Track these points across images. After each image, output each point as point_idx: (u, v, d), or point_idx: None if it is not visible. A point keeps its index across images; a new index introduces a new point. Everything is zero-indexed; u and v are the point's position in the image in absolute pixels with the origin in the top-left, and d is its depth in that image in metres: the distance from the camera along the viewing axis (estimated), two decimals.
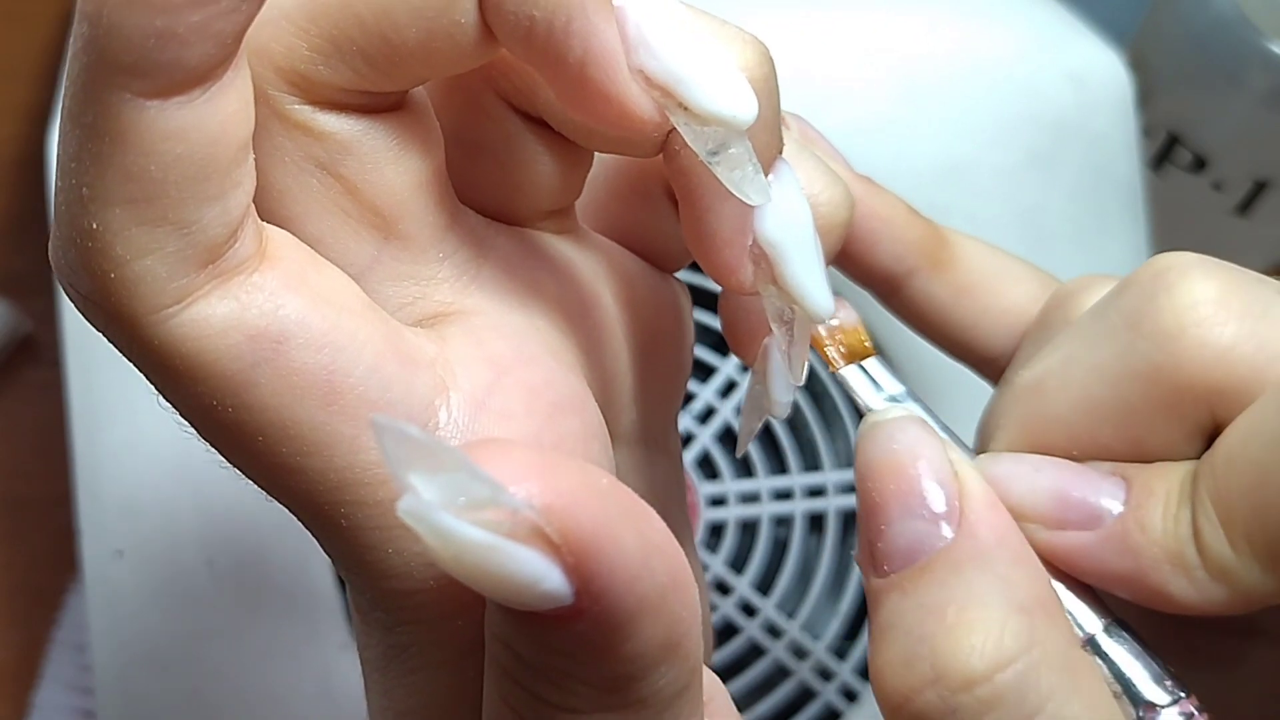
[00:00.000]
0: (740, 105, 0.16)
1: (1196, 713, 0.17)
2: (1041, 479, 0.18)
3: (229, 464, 0.16)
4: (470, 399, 0.17)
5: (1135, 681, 0.17)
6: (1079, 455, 0.18)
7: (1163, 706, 0.17)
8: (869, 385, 0.19)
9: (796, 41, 0.34)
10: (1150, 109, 0.53)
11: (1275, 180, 0.52)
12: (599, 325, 0.19)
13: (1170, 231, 0.52)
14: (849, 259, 0.22)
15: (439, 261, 0.17)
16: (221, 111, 0.14)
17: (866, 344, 0.20)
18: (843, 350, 0.19)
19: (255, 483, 0.16)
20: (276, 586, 0.32)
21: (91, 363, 0.32)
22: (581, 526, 0.12)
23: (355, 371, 0.15)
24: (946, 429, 0.18)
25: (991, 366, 0.23)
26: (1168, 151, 0.53)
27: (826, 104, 0.33)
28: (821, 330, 0.19)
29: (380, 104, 0.16)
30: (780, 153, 0.18)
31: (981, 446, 0.20)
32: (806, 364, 0.19)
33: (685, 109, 0.16)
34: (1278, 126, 0.49)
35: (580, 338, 0.19)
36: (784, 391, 0.20)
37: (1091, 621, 0.18)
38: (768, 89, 0.17)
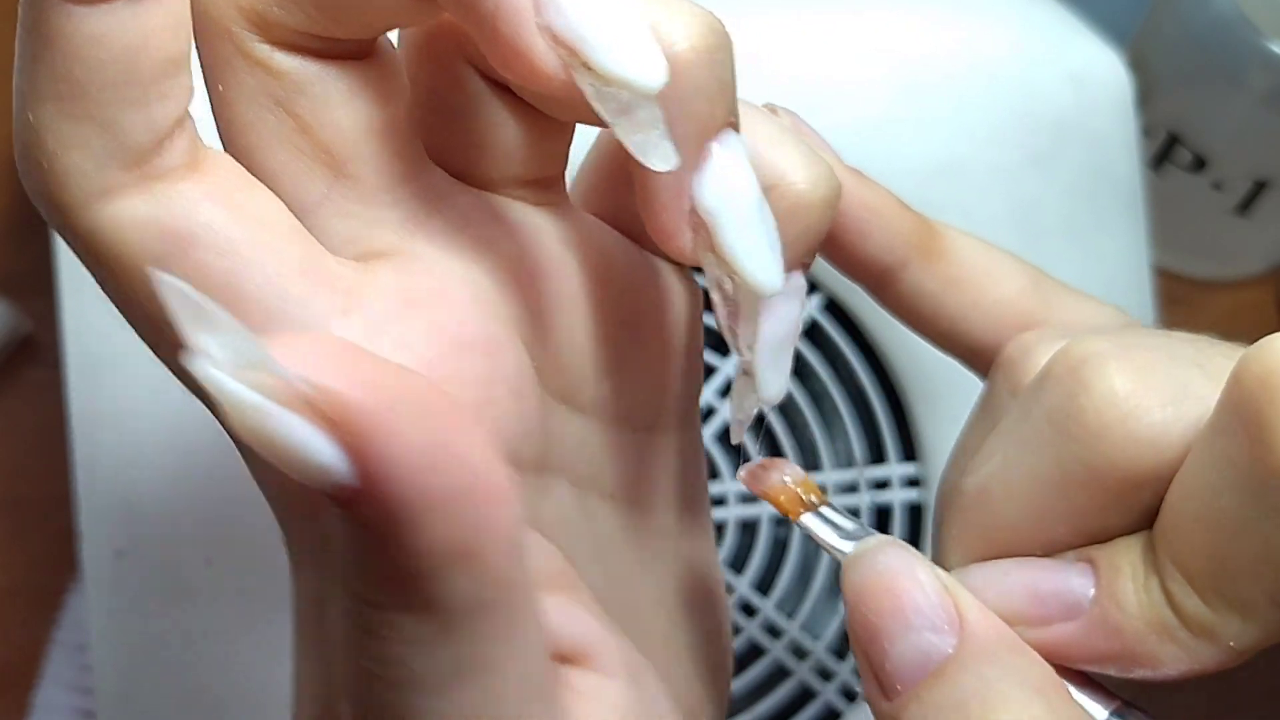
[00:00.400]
0: (643, 69, 0.16)
1: None
2: (1012, 581, 0.18)
3: (157, 357, 0.18)
4: (368, 323, 0.17)
5: None
6: (1040, 554, 0.19)
7: None
8: (829, 529, 0.20)
9: (796, 41, 0.34)
10: (1150, 108, 0.53)
11: (1275, 180, 0.52)
12: (556, 291, 0.19)
13: (1170, 231, 0.52)
14: (840, 250, 0.22)
15: (387, 206, 0.18)
16: (145, 24, 0.15)
17: (818, 494, 0.20)
18: (796, 499, 0.20)
19: (175, 376, 0.17)
20: (276, 586, 0.32)
21: (91, 363, 0.32)
22: (361, 410, 0.13)
23: (255, 279, 0.16)
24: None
25: (980, 359, 0.23)
26: (1168, 151, 0.53)
27: (826, 103, 0.33)
28: (776, 482, 0.20)
29: (336, 50, 0.17)
30: (731, 126, 0.18)
31: (939, 552, 0.20)
32: (757, 339, 0.19)
33: (589, 69, 0.16)
34: (1278, 126, 0.49)
35: (526, 297, 0.19)
36: (771, 379, 0.20)
37: (1099, 710, 0.18)
38: (711, 60, 0.17)
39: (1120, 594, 0.18)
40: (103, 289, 0.17)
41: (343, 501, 0.13)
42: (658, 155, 0.17)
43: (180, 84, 0.16)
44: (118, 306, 0.17)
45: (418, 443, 0.13)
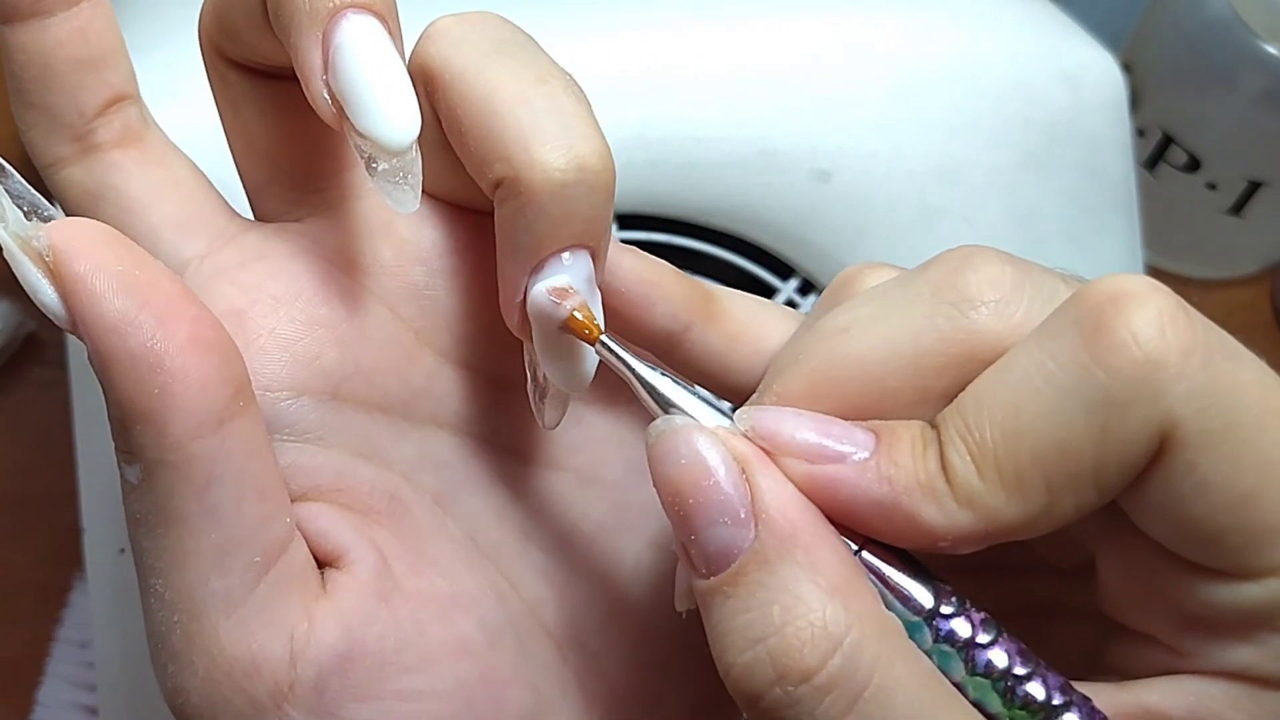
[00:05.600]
0: (389, 132, 0.19)
1: (974, 612, 0.19)
2: (805, 420, 0.20)
3: None
4: (242, 251, 0.22)
5: (912, 592, 0.19)
6: (864, 397, 0.20)
7: (947, 614, 0.19)
8: (617, 358, 0.21)
9: (792, 43, 0.34)
10: (1145, 109, 0.53)
11: (1269, 180, 0.52)
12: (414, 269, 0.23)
13: (1164, 231, 0.52)
14: (629, 323, 0.24)
15: (308, 192, 0.23)
16: (54, 35, 0.21)
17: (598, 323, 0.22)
18: (587, 322, 0.21)
19: None
20: None
21: None
22: (71, 270, 0.18)
23: (140, 228, 0.22)
24: (693, 389, 0.21)
25: None
26: (1162, 151, 0.53)
27: (823, 105, 0.34)
28: (567, 310, 0.21)
29: (267, 71, 0.22)
30: (582, 247, 0.20)
31: (772, 376, 0.22)
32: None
33: (351, 123, 0.19)
34: (1271, 127, 0.50)
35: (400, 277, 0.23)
36: (554, 371, 0.22)
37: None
38: (581, 187, 0.20)
39: (897, 451, 0.19)
40: None
41: (80, 335, 0.19)
42: (397, 201, 0.20)
43: (99, 78, 0.21)
44: None
45: (113, 309, 0.18)
